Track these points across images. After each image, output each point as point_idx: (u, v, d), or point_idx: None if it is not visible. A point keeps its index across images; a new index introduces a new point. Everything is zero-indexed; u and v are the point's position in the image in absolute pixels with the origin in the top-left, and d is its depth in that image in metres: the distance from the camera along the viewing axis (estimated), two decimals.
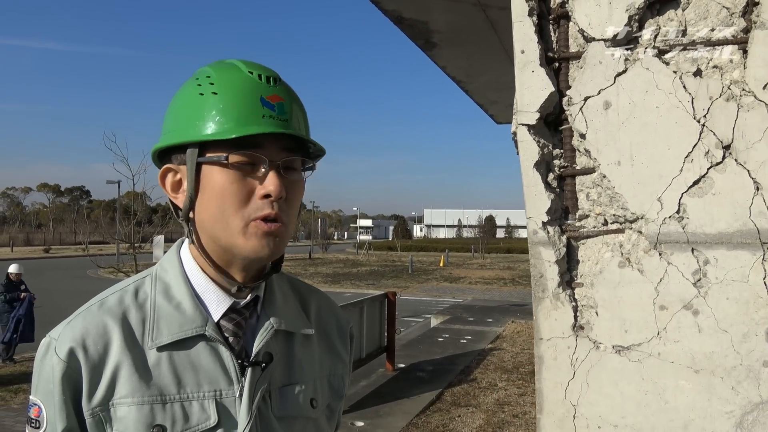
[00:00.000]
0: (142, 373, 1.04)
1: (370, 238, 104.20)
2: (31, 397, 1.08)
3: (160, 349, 1.06)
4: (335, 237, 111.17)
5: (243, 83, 1.06)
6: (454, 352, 11.01)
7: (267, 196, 1.04)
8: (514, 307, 18.40)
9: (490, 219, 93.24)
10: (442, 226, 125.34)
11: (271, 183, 1.04)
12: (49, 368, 1.04)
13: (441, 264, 41.39)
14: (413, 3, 3.84)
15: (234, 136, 1.02)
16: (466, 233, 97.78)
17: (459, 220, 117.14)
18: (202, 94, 1.06)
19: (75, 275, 30.33)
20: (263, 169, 1.05)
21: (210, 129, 1.04)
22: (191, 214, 1.10)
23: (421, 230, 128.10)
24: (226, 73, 1.07)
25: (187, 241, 1.17)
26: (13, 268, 11.12)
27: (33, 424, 1.06)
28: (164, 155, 1.13)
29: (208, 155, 1.05)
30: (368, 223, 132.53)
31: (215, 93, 1.05)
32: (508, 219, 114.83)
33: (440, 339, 12.36)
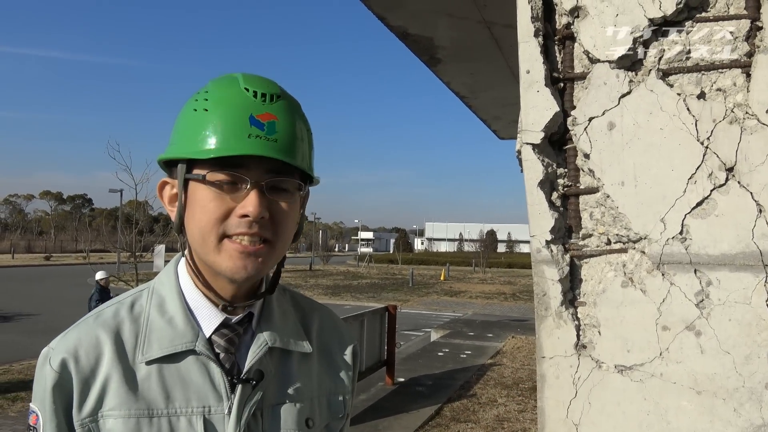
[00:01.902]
0: (130, 386, 1.05)
1: (371, 250, 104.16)
2: (30, 404, 1.10)
3: (150, 362, 1.06)
4: (336, 249, 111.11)
5: (235, 100, 1.05)
6: (454, 366, 10.98)
7: (245, 216, 1.03)
8: (514, 322, 18.36)
9: (492, 233, 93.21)
10: (444, 239, 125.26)
11: (250, 203, 1.03)
12: (44, 377, 1.05)
13: (442, 278, 41.32)
14: (418, 19, 3.88)
15: (212, 156, 1.02)
16: (468, 247, 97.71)
17: (460, 233, 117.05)
18: (195, 110, 1.06)
19: (75, 283, 30.32)
20: (244, 189, 1.04)
21: (197, 146, 1.04)
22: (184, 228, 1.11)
23: (422, 243, 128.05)
24: (222, 89, 1.07)
25: (185, 255, 1.18)
26: (101, 274, 11.15)
27: (31, 431, 1.08)
28: (168, 167, 1.15)
29: (194, 172, 1.06)
30: (369, 235, 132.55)
31: (206, 110, 1.05)
32: (509, 233, 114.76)
33: (440, 353, 12.33)
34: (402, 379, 9.68)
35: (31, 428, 1.08)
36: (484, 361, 11.64)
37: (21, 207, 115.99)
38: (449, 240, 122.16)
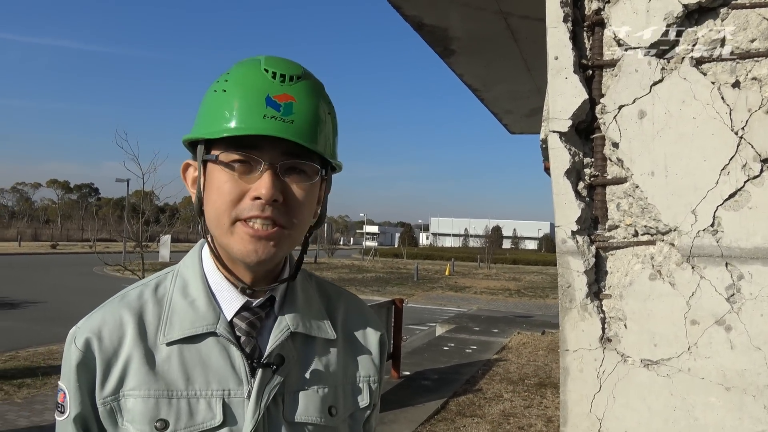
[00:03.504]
0: (150, 366, 1.05)
1: (376, 244, 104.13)
2: (59, 382, 1.11)
3: (171, 344, 1.07)
4: (341, 242, 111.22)
5: (253, 81, 1.04)
6: (459, 361, 10.95)
7: (257, 198, 1.02)
8: (519, 318, 18.32)
9: (497, 229, 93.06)
10: (449, 234, 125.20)
11: (262, 185, 1.01)
12: (69, 356, 1.07)
13: (447, 273, 41.29)
14: (434, 9, 3.83)
15: (224, 135, 1.02)
16: (472, 243, 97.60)
17: (465, 229, 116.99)
18: (215, 92, 1.06)
19: (81, 272, 30.46)
20: (258, 171, 1.02)
21: (214, 127, 1.04)
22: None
23: (427, 238, 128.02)
24: (242, 71, 1.06)
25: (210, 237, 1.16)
26: None
27: (59, 409, 1.09)
28: (192, 148, 1.14)
29: (212, 153, 1.06)
30: (374, 229, 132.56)
31: (225, 90, 1.05)
32: (514, 230, 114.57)
33: (446, 348, 12.31)
34: (407, 373, 9.66)
35: (59, 405, 1.09)
36: (490, 356, 11.61)
37: (28, 195, 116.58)
38: (454, 235, 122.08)
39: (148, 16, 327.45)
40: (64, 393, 1.08)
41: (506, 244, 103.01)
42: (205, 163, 1.07)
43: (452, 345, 12.60)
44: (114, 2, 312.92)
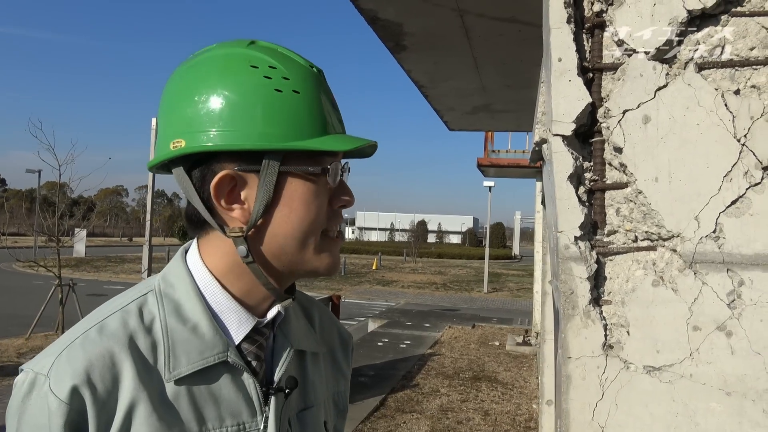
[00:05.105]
0: (161, 410, 0.88)
1: None
2: None
3: (179, 381, 0.91)
4: None
5: (314, 81, 0.94)
6: (394, 356, 11.00)
7: (344, 205, 0.97)
8: (448, 312, 18.63)
9: (422, 223, 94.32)
10: (375, 229, 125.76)
11: (348, 191, 0.98)
12: (42, 413, 0.84)
13: (374, 267, 41.46)
14: (391, 4, 3.77)
15: (349, 148, 0.92)
16: (399, 237, 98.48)
17: (392, 223, 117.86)
18: (279, 91, 0.90)
19: None
20: (338, 178, 0.97)
21: (304, 136, 0.91)
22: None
23: (353, 233, 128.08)
24: (293, 66, 0.94)
25: (195, 250, 1.00)
26: None
27: None
28: (193, 158, 0.94)
29: (292, 165, 0.92)
30: None
31: (297, 92, 0.91)
32: (439, 224, 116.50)
33: (380, 343, 12.32)
34: None
35: None
36: (424, 351, 11.73)
37: None
38: (380, 229, 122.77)
39: None
40: None
41: (431, 238, 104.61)
42: (278, 175, 0.93)
43: (386, 340, 12.64)
44: None
